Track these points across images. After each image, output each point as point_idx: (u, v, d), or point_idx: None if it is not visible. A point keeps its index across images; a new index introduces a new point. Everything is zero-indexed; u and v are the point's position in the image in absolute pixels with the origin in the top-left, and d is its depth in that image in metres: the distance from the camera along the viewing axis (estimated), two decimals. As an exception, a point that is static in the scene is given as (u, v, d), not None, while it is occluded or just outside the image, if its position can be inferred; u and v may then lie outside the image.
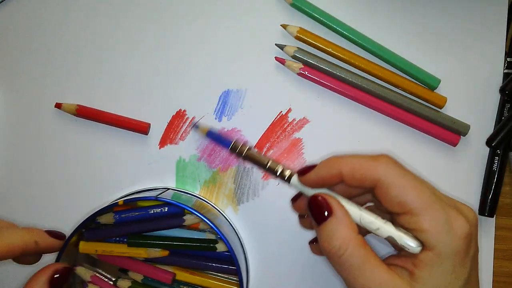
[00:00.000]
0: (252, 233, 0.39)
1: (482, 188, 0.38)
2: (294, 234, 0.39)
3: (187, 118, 0.39)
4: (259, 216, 0.39)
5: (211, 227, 0.33)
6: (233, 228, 0.38)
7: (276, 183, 0.39)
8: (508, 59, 0.39)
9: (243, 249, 0.38)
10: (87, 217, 0.33)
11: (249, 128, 0.39)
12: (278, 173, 0.29)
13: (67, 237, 0.33)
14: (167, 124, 0.39)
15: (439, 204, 0.25)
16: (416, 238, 0.25)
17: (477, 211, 0.38)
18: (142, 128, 0.39)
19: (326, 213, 0.26)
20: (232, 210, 0.39)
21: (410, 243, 0.25)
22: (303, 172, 0.28)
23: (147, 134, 0.39)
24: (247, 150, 0.30)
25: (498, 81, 0.39)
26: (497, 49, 0.39)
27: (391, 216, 0.28)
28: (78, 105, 0.39)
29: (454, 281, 0.25)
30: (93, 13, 0.40)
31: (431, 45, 0.39)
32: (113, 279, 0.36)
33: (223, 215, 0.38)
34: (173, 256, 0.36)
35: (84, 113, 0.39)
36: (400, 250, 0.28)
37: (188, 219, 0.35)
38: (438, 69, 0.38)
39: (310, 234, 0.37)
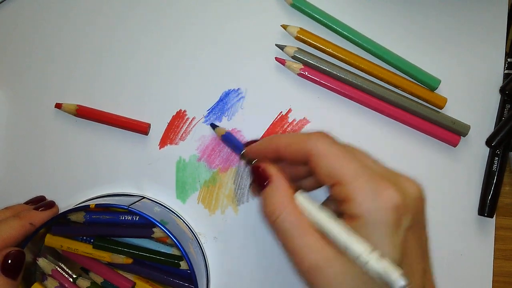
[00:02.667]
0: (252, 233, 0.39)
1: (482, 188, 0.38)
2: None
3: (187, 118, 0.39)
4: (259, 216, 0.39)
5: (176, 245, 0.33)
6: (201, 248, 0.38)
7: (276, 183, 0.39)
8: (509, 60, 0.39)
9: (207, 269, 0.38)
10: (58, 213, 0.34)
11: (249, 129, 0.39)
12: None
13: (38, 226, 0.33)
14: (167, 124, 0.39)
15: (367, 174, 0.25)
16: (400, 273, 0.23)
17: (477, 211, 0.38)
18: (142, 128, 0.39)
19: (265, 180, 0.28)
20: (232, 211, 0.39)
21: (394, 278, 0.23)
22: (248, 143, 0.32)
23: (147, 134, 0.39)
24: (255, 161, 0.31)
25: (498, 81, 0.39)
26: (497, 49, 0.39)
27: (328, 191, 0.28)
28: (78, 105, 0.39)
29: (386, 253, 0.24)
30: (93, 13, 0.40)
31: (431, 45, 0.39)
32: (74, 277, 0.36)
33: (192, 233, 0.38)
34: (136, 265, 0.36)
35: (84, 113, 0.39)
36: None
37: (157, 231, 0.35)
38: (438, 70, 0.38)
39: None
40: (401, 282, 0.23)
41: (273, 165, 0.29)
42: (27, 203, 0.37)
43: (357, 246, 0.24)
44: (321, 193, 0.32)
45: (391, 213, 0.24)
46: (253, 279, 0.39)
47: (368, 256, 0.24)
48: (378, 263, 0.23)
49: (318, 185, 0.32)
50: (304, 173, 0.31)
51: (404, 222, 0.25)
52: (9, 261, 0.29)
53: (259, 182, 0.28)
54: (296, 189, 0.28)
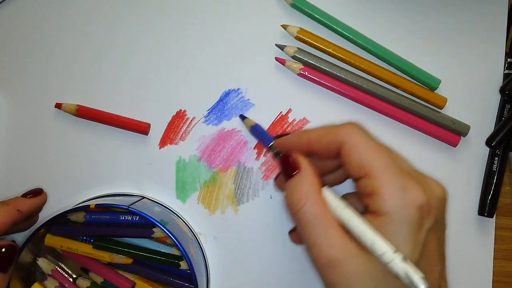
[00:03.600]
0: (252, 233, 0.39)
1: (482, 188, 0.38)
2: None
3: (187, 118, 0.39)
4: (259, 216, 0.39)
5: (176, 245, 0.33)
6: (200, 247, 0.38)
7: (276, 183, 0.39)
8: (509, 60, 0.39)
9: (207, 269, 0.38)
10: (58, 213, 0.34)
11: (249, 128, 0.39)
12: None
13: (37, 227, 0.33)
14: (167, 124, 0.39)
15: (397, 170, 0.25)
16: (421, 276, 0.23)
17: (477, 211, 0.38)
18: (142, 128, 0.39)
19: (294, 170, 0.27)
20: (232, 211, 0.39)
21: (415, 280, 0.23)
22: (279, 136, 0.31)
23: (147, 134, 0.39)
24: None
25: (498, 81, 0.39)
26: (497, 49, 0.39)
27: (355, 185, 0.28)
28: (78, 105, 0.39)
29: (406, 252, 0.24)
30: (93, 13, 0.40)
31: (431, 45, 0.39)
32: (74, 276, 0.37)
33: (192, 233, 0.38)
34: (136, 265, 0.37)
35: (84, 113, 0.39)
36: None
37: (157, 231, 0.35)
38: (438, 70, 0.38)
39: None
40: (422, 285, 0.23)
41: (303, 156, 0.28)
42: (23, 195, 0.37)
43: (381, 244, 0.24)
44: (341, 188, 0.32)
45: (416, 212, 0.24)
46: (253, 279, 0.39)
47: (392, 255, 0.24)
48: (401, 264, 0.23)
49: (344, 178, 0.32)
50: (331, 167, 0.31)
51: (426, 222, 0.25)
52: (1, 255, 0.29)
53: (288, 172, 0.28)
54: (322, 184, 0.28)
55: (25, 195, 0.34)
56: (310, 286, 0.39)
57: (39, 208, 0.33)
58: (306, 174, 0.27)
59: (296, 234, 0.31)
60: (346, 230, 0.25)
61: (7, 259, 0.29)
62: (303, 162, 0.28)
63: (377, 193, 0.25)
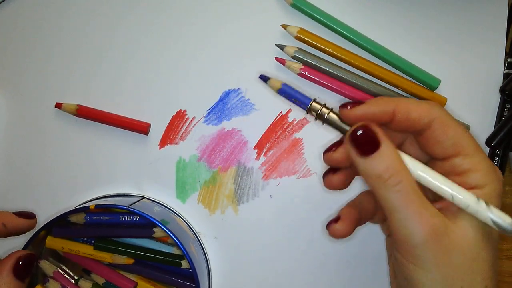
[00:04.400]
0: (252, 233, 0.39)
1: (482, 188, 0.38)
2: (293, 237, 0.39)
3: (187, 118, 0.39)
4: (259, 216, 0.39)
5: (177, 244, 0.33)
6: (201, 246, 0.38)
7: (276, 183, 0.39)
8: (509, 60, 0.39)
9: (208, 268, 0.38)
10: (58, 214, 0.34)
11: (249, 128, 0.39)
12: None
13: (37, 230, 0.33)
14: (167, 124, 0.39)
15: (483, 150, 0.26)
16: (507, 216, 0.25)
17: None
18: (142, 128, 0.39)
19: (374, 144, 0.25)
20: (232, 211, 0.39)
21: (502, 224, 0.24)
22: (348, 104, 0.27)
23: (147, 134, 0.39)
24: (329, 113, 0.27)
25: (498, 81, 0.39)
26: (497, 49, 0.39)
27: (430, 163, 0.27)
28: (78, 105, 0.39)
29: (495, 230, 0.25)
30: (93, 13, 0.40)
31: (431, 45, 0.39)
32: (76, 278, 0.36)
33: (193, 232, 0.38)
34: (137, 265, 0.36)
35: (84, 113, 0.39)
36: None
37: (158, 231, 0.35)
38: (438, 70, 0.38)
39: (307, 238, 0.37)
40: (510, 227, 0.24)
41: (377, 126, 0.26)
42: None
43: (465, 195, 0.25)
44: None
45: (502, 187, 0.26)
46: (253, 278, 0.39)
47: (477, 205, 0.25)
48: (491, 210, 0.24)
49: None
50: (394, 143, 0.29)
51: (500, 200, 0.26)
52: (21, 264, 0.29)
53: (364, 145, 0.25)
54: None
55: (16, 213, 0.33)
56: (310, 286, 0.39)
57: (24, 231, 0.32)
58: (392, 147, 0.25)
59: (345, 225, 0.28)
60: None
61: (27, 270, 0.29)
62: (382, 135, 0.25)
63: (476, 169, 0.26)
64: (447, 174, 0.26)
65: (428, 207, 0.25)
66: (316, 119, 0.27)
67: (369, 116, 0.26)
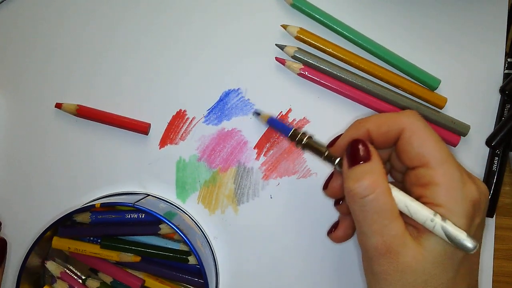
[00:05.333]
0: (252, 233, 0.39)
1: (482, 188, 0.38)
2: (293, 237, 0.39)
3: (187, 118, 0.39)
4: (259, 216, 0.39)
5: (184, 240, 0.33)
6: (208, 242, 0.38)
7: (276, 183, 0.39)
8: (509, 60, 0.39)
9: (215, 264, 0.38)
10: (63, 214, 0.34)
11: (249, 128, 0.39)
12: (336, 162, 0.29)
13: (43, 230, 0.33)
14: (167, 124, 0.39)
15: (455, 163, 0.25)
16: (470, 238, 0.24)
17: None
18: (142, 128, 0.39)
19: (363, 157, 0.26)
20: (232, 211, 0.39)
21: (467, 243, 0.24)
22: (333, 141, 0.29)
23: (147, 134, 0.39)
24: (306, 139, 0.30)
25: (498, 81, 0.39)
26: (497, 49, 0.39)
27: (403, 176, 0.28)
28: (78, 105, 0.39)
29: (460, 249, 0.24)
30: (93, 13, 0.40)
31: (431, 45, 0.39)
32: (83, 278, 0.37)
33: (199, 228, 0.38)
34: (144, 263, 0.37)
35: (84, 113, 0.39)
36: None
37: (164, 228, 0.35)
38: (438, 70, 0.38)
39: (308, 239, 0.37)
40: (470, 243, 0.24)
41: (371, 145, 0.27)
42: None
43: (423, 211, 0.25)
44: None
45: (471, 207, 0.25)
46: (253, 278, 0.39)
47: (433, 220, 0.24)
48: (446, 226, 0.24)
49: (393, 169, 0.31)
50: (382, 159, 0.30)
51: (477, 218, 0.25)
52: None
53: (356, 157, 0.26)
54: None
55: None
56: (310, 286, 0.39)
57: None
58: (377, 162, 0.26)
59: (342, 231, 0.30)
60: (404, 222, 0.26)
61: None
62: (374, 150, 0.27)
63: (436, 183, 0.25)
64: (415, 184, 0.26)
65: (392, 226, 0.25)
66: (295, 144, 0.31)
67: (347, 142, 0.28)
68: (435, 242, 0.25)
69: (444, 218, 0.24)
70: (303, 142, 0.30)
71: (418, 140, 0.26)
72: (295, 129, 0.31)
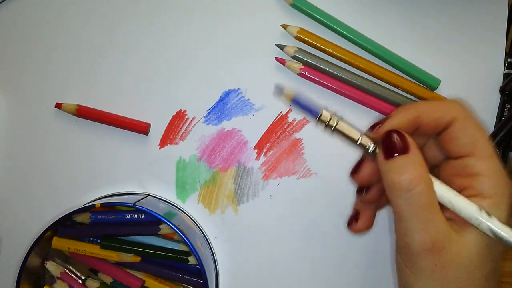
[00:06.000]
0: (252, 233, 0.39)
1: (482, 188, 0.38)
2: (293, 237, 0.39)
3: (187, 118, 0.39)
4: (259, 216, 0.39)
5: (184, 240, 0.33)
6: (208, 242, 0.38)
7: (276, 183, 0.39)
8: (509, 60, 0.39)
9: (215, 264, 0.38)
10: (63, 214, 0.34)
11: (249, 128, 0.39)
12: (370, 150, 0.27)
13: (43, 230, 0.33)
14: (167, 124, 0.39)
15: (498, 157, 0.25)
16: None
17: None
18: (142, 128, 0.39)
19: (402, 149, 0.25)
20: (232, 211, 0.39)
21: (504, 236, 0.24)
22: (376, 124, 0.27)
23: (147, 134, 0.39)
24: (337, 123, 0.27)
25: (498, 81, 0.39)
26: (497, 49, 0.39)
27: (437, 168, 0.28)
28: (78, 105, 0.39)
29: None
30: (93, 13, 0.40)
31: (431, 45, 0.39)
32: (83, 278, 0.37)
33: (199, 228, 0.38)
34: (144, 263, 0.37)
35: (84, 113, 0.39)
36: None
37: (164, 228, 0.35)
38: (438, 70, 0.38)
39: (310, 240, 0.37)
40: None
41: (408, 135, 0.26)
42: None
43: (469, 206, 0.25)
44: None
45: (510, 199, 0.25)
46: (252, 278, 0.39)
47: (480, 215, 0.24)
48: (492, 221, 0.24)
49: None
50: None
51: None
52: None
53: (393, 148, 0.25)
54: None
55: None
56: (310, 286, 0.39)
57: None
58: (418, 155, 0.25)
59: (365, 222, 0.29)
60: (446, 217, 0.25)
61: None
62: (412, 141, 0.26)
63: (485, 175, 0.25)
64: (458, 174, 0.26)
65: (436, 220, 0.24)
66: (324, 128, 0.28)
67: (394, 125, 0.27)
68: (477, 236, 0.25)
69: (489, 214, 0.24)
70: (333, 128, 0.27)
71: (471, 129, 0.26)
72: (324, 111, 0.28)
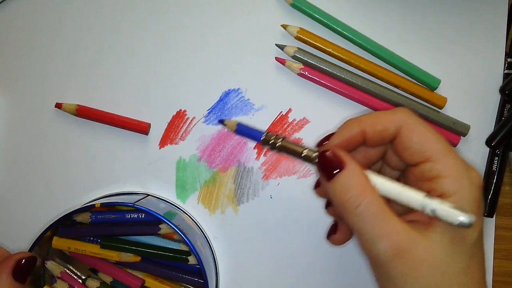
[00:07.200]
0: (252, 233, 0.39)
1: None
2: (293, 237, 0.39)
3: (187, 118, 0.39)
4: (259, 216, 0.39)
5: (184, 240, 0.33)
6: (208, 242, 0.38)
7: (276, 183, 0.39)
8: (509, 60, 0.39)
9: (215, 264, 0.38)
10: (63, 214, 0.34)
11: (249, 128, 0.39)
12: (316, 161, 0.27)
13: (43, 230, 0.33)
14: (167, 124, 0.39)
15: (455, 153, 0.25)
16: (465, 211, 0.24)
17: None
18: (142, 128, 0.39)
19: (338, 167, 0.25)
20: (232, 210, 0.39)
21: (461, 218, 0.23)
22: (323, 140, 0.28)
23: (147, 134, 0.39)
24: (280, 141, 0.28)
25: (498, 81, 0.39)
26: (497, 49, 0.39)
27: (403, 173, 0.28)
28: (78, 105, 0.39)
29: (471, 232, 0.24)
30: (93, 13, 0.40)
31: (431, 45, 0.39)
32: (83, 278, 0.37)
33: (199, 228, 0.38)
34: (144, 263, 0.37)
35: (84, 113, 0.39)
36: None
37: (164, 228, 0.36)
38: (438, 69, 0.38)
39: (311, 240, 0.37)
40: (467, 218, 0.23)
41: (341, 149, 0.26)
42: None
43: (415, 195, 0.25)
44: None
45: (479, 192, 0.25)
46: (252, 278, 0.39)
47: (425, 201, 0.24)
48: (442, 205, 0.24)
49: (388, 167, 0.30)
50: (376, 157, 0.29)
51: (482, 204, 0.25)
52: (21, 265, 0.29)
53: (330, 168, 0.26)
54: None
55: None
56: (310, 286, 0.39)
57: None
58: (355, 168, 0.25)
59: (342, 233, 0.30)
60: (403, 220, 0.25)
61: (26, 271, 0.29)
62: (346, 156, 0.26)
63: (444, 175, 0.25)
64: (421, 179, 0.26)
65: (392, 225, 0.24)
66: (270, 148, 0.28)
67: (343, 143, 0.27)
68: (441, 232, 0.25)
69: (441, 200, 0.24)
70: (277, 145, 0.28)
71: (417, 136, 0.26)
72: (267, 133, 0.29)
